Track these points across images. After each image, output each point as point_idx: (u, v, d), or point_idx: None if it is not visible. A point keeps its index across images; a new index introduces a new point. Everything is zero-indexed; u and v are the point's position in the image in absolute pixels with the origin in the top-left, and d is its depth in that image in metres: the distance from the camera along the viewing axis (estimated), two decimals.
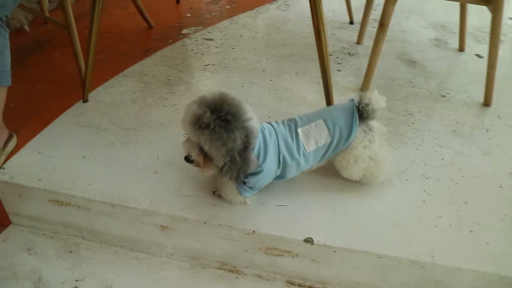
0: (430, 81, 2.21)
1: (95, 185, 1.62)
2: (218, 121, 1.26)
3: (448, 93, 2.11)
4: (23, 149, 1.78)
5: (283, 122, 1.52)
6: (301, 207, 1.53)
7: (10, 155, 1.75)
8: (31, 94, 2.14)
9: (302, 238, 1.43)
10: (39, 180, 1.64)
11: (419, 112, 1.97)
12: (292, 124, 1.51)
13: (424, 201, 1.55)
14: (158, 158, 1.72)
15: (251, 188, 1.48)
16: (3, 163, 1.71)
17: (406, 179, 1.63)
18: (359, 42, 2.53)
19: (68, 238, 1.74)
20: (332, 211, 1.51)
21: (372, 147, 1.50)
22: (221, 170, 1.35)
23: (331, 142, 1.48)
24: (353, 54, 2.41)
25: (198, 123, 1.26)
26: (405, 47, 2.50)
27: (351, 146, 1.49)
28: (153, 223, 1.57)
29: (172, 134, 1.82)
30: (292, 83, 2.18)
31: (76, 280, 1.60)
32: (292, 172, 1.50)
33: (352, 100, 1.54)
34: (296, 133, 1.47)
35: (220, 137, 1.26)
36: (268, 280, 1.58)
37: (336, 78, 2.20)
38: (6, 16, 1.62)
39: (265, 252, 1.51)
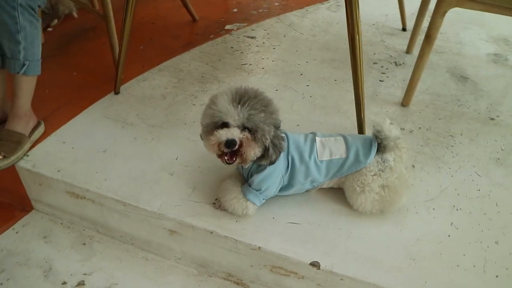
0: (480, 101, 2.02)
1: (110, 181, 1.60)
2: (257, 99, 1.25)
3: (498, 116, 1.93)
4: (49, 138, 1.80)
5: (301, 133, 1.46)
6: (314, 228, 1.44)
7: (36, 142, 1.77)
8: (66, 82, 2.16)
9: (309, 261, 1.35)
10: (58, 171, 1.65)
11: (461, 135, 1.81)
12: (310, 134, 1.46)
13: (449, 235, 1.42)
14: (176, 159, 1.69)
15: (256, 191, 1.41)
16: (28, 150, 1.73)
17: (434, 208, 1.50)
18: (408, 51, 2.37)
19: (84, 230, 1.74)
20: (346, 236, 1.41)
21: (384, 176, 1.40)
22: (265, 151, 1.29)
23: (346, 159, 1.39)
24: (400, 64, 2.26)
25: (245, 96, 1.23)
26: (458, 61, 2.32)
27: (360, 173, 1.40)
28: (162, 226, 1.54)
29: (195, 135, 1.77)
30: (329, 90, 2.07)
31: (84, 274, 1.60)
32: (299, 179, 1.42)
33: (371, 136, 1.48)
34: (312, 140, 1.42)
35: (268, 107, 1.25)
36: None
37: (377, 89, 2.07)
38: (39, 6, 1.63)
39: (271, 270, 1.44)
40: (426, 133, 1.81)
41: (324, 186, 1.49)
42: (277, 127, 1.32)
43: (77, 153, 1.73)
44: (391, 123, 1.41)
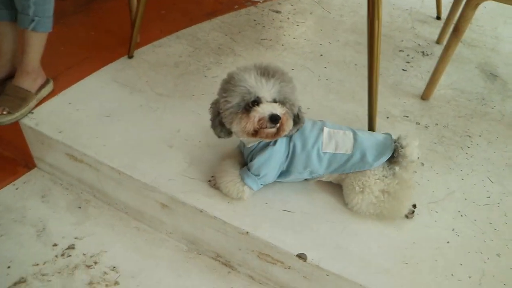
0: (507, 102, 1.90)
1: (109, 147, 1.58)
2: (280, 75, 1.23)
3: None
4: (56, 97, 1.78)
5: (310, 119, 1.39)
6: (307, 218, 1.38)
7: (43, 100, 1.76)
8: (83, 41, 2.13)
9: (296, 253, 1.30)
10: (60, 132, 1.63)
11: (480, 136, 1.70)
12: (319, 122, 1.38)
13: (448, 242, 1.34)
14: (178, 131, 1.64)
15: (255, 176, 1.35)
16: (34, 108, 1.72)
17: (437, 211, 1.42)
18: (439, 41, 2.23)
19: (81, 193, 1.73)
20: (339, 230, 1.35)
21: (386, 181, 1.33)
22: (296, 120, 1.29)
23: (351, 157, 1.31)
24: (427, 54, 2.14)
25: (269, 70, 1.21)
26: (491, 57, 2.17)
27: (362, 173, 1.32)
28: (154, 199, 1.51)
29: (201, 108, 1.72)
30: (347, 75, 1.98)
31: (76, 238, 1.60)
32: (298, 167, 1.36)
33: (390, 136, 1.39)
34: (320, 129, 1.35)
35: (292, 80, 1.27)
36: (260, 283, 1.47)
37: (398, 79, 1.96)
38: None
39: (258, 256, 1.40)
40: (442, 131, 1.71)
41: (323, 179, 1.43)
42: None
43: (81, 116, 1.70)
44: (417, 146, 1.34)
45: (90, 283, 1.48)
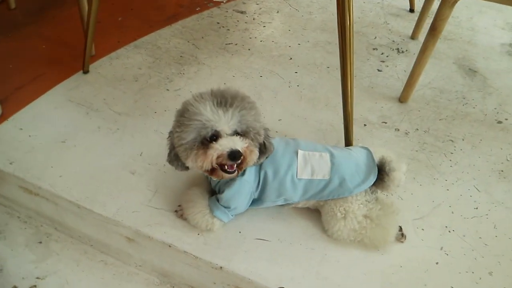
0: (488, 99, 1.81)
1: (65, 178, 1.44)
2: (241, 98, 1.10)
3: (506, 119, 1.72)
4: (5, 123, 1.63)
5: (281, 138, 1.27)
6: (284, 246, 1.28)
7: None
8: (34, 55, 1.97)
9: (275, 287, 1.19)
10: (11, 163, 1.49)
11: (463, 140, 1.61)
12: (292, 143, 1.26)
13: (437, 263, 1.25)
14: (141, 155, 1.52)
15: (225, 207, 1.24)
16: None
17: (423, 229, 1.33)
18: (414, 36, 2.13)
19: (41, 226, 1.59)
20: (320, 258, 1.25)
21: (369, 206, 1.24)
22: (262, 149, 1.15)
23: (328, 182, 1.21)
24: (403, 52, 2.04)
25: (227, 97, 1.06)
26: (468, 51, 2.08)
27: (344, 199, 1.21)
28: (118, 233, 1.38)
29: (164, 127, 1.58)
30: (319, 79, 1.86)
31: (37, 278, 1.46)
32: (271, 196, 1.25)
33: (368, 150, 1.29)
34: (294, 153, 1.22)
35: (252, 102, 1.11)
36: None
37: (373, 80, 1.86)
38: None
39: None
40: (423, 136, 1.61)
41: (299, 206, 1.32)
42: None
43: (34, 142, 1.56)
44: (405, 172, 1.25)
45: None
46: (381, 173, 1.23)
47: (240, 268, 1.23)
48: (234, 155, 1.05)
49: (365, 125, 1.65)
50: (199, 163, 1.08)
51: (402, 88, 1.73)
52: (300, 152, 1.21)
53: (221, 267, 1.23)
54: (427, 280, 1.21)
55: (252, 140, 1.09)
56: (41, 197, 1.47)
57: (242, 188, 1.19)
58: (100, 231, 1.43)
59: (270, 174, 1.19)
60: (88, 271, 1.48)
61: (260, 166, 1.20)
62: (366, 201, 1.23)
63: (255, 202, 1.27)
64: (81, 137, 1.58)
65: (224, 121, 1.04)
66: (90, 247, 1.53)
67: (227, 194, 1.19)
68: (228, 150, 1.05)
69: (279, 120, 1.65)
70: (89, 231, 1.48)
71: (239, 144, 1.06)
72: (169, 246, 1.28)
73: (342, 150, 1.28)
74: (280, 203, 1.28)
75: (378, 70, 1.91)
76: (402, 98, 1.73)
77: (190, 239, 1.29)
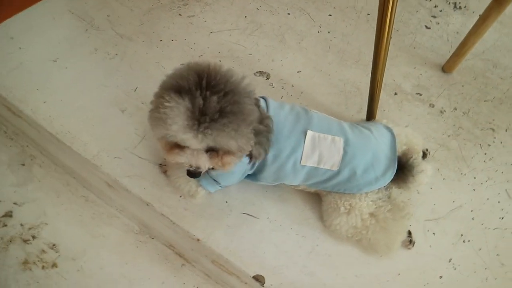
0: None
1: (49, 105, 1.30)
2: (227, 98, 0.82)
3: None
4: None
5: (292, 107, 1.07)
6: (272, 227, 1.13)
7: None
8: None
9: (253, 274, 1.07)
10: None
11: (506, 130, 1.37)
12: (304, 116, 1.05)
13: (441, 277, 1.09)
14: (135, 91, 1.35)
15: (215, 180, 1.08)
16: None
17: (434, 233, 1.16)
18: None
19: (27, 146, 1.48)
20: (309, 249, 1.11)
21: (379, 203, 1.06)
22: (251, 156, 0.94)
23: (336, 174, 1.02)
24: (460, 8, 1.71)
25: (206, 118, 0.80)
26: None
27: (351, 194, 1.03)
28: (98, 176, 1.25)
29: (167, 61, 1.40)
30: (355, 28, 1.59)
31: (14, 203, 1.38)
32: (267, 178, 1.08)
33: (391, 134, 1.08)
34: (302, 134, 1.02)
35: (241, 117, 0.83)
36: (217, 283, 1.26)
37: (418, 39, 1.58)
38: None
39: (212, 262, 1.17)
40: (461, 119, 1.38)
41: (299, 188, 1.15)
42: (252, 94, 0.90)
43: (23, 57, 1.40)
44: (431, 176, 1.05)
45: (25, 262, 1.29)
46: (403, 170, 1.04)
47: (219, 245, 1.10)
48: (193, 175, 0.90)
49: (396, 93, 1.42)
50: (162, 152, 0.91)
51: (449, 55, 1.46)
52: (309, 133, 1.01)
53: (198, 240, 1.11)
54: None
55: (233, 151, 0.88)
56: (23, 120, 1.34)
57: (236, 168, 1.02)
58: (82, 168, 1.31)
59: (270, 157, 1.01)
60: (68, 206, 1.38)
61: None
62: (378, 198, 1.06)
63: (250, 176, 1.10)
64: (74, 59, 1.41)
65: (194, 142, 0.83)
66: (73, 179, 1.42)
67: (217, 172, 1.03)
68: (187, 167, 0.89)
69: (298, 72, 1.43)
70: (71, 164, 1.36)
71: (203, 163, 0.87)
72: (147, 204, 1.15)
73: (361, 133, 1.07)
74: (277, 183, 1.11)
75: (426, 27, 1.62)
76: (447, 68, 1.47)
77: (170, 201, 1.15)
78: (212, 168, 0.91)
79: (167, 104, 0.80)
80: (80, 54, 1.42)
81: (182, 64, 0.87)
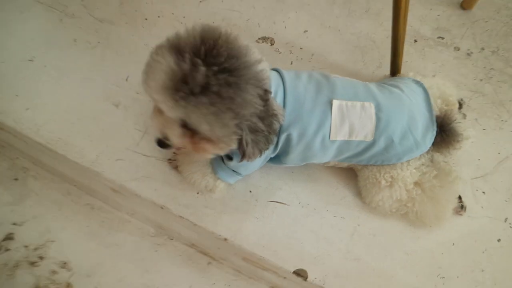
0: None
1: (33, 112, 1.15)
2: (221, 76, 0.68)
3: None
4: None
5: (310, 74, 0.92)
6: (306, 212, 1.01)
7: None
8: None
9: (293, 269, 0.95)
10: None
11: None
12: (326, 85, 0.91)
13: (499, 240, 0.98)
14: (127, 80, 1.20)
15: (234, 171, 0.95)
16: None
17: (484, 192, 1.04)
18: None
19: (17, 158, 1.34)
20: (351, 231, 0.99)
21: (423, 170, 0.93)
22: (242, 151, 0.79)
23: (371, 145, 0.89)
24: None
25: (185, 87, 0.68)
26: None
27: (392, 166, 0.90)
28: (102, 182, 1.12)
29: (158, 41, 1.23)
30: None
31: (14, 224, 1.26)
32: (294, 160, 0.95)
33: (424, 90, 0.96)
34: (327, 105, 0.88)
35: (228, 104, 0.69)
36: (249, 278, 1.15)
37: None
38: None
39: (244, 259, 1.06)
40: (491, 59, 1.24)
41: (329, 165, 1.01)
42: (263, 85, 0.75)
43: None
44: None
45: (36, 287, 1.17)
46: (444, 133, 0.91)
47: (250, 241, 0.98)
48: (161, 145, 0.81)
49: (415, 40, 1.27)
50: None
51: None
52: (335, 103, 0.88)
53: (225, 239, 0.99)
54: (485, 264, 0.95)
55: (209, 140, 0.75)
56: (6, 132, 1.19)
57: None
58: (81, 175, 1.18)
59: (295, 137, 0.87)
60: (72, 217, 1.27)
61: (280, 127, 0.87)
62: (421, 164, 0.93)
63: (273, 160, 0.97)
64: (52, 54, 1.24)
65: (165, 107, 0.71)
66: (73, 187, 1.30)
67: (235, 162, 0.89)
68: (155, 136, 0.80)
69: (304, 32, 1.28)
70: (69, 172, 1.23)
71: (173, 136, 0.77)
72: (161, 208, 1.02)
73: (391, 94, 0.93)
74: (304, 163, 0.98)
75: None
76: (465, 4, 1.31)
77: (186, 199, 1.03)
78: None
79: (154, 56, 0.70)
80: (58, 48, 1.25)
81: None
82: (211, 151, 0.78)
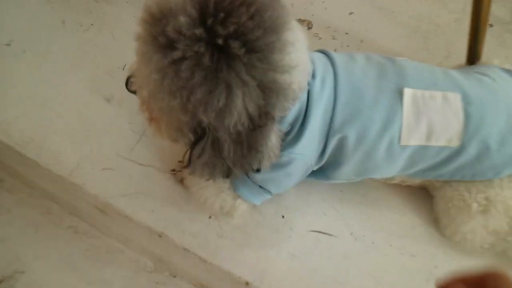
0: None
1: (5, 108, 0.91)
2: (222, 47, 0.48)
3: None
4: None
5: (368, 56, 0.67)
6: (362, 247, 0.73)
7: None
8: None
9: None
10: None
11: None
12: (391, 66, 0.65)
13: None
14: (123, 69, 0.94)
15: (261, 187, 0.67)
16: None
17: None
18: None
19: None
20: (427, 275, 0.70)
21: None
22: (188, 159, 0.57)
23: (459, 152, 0.60)
24: None
25: (166, 44, 0.49)
26: None
27: (486, 181, 0.63)
28: (83, 198, 0.85)
29: None
30: None
31: None
32: (347, 172, 0.68)
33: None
34: (396, 94, 0.62)
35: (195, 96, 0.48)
36: None
37: None
38: None
39: None
40: None
41: (394, 182, 0.73)
42: (276, 96, 0.51)
43: None
44: None
45: None
46: None
47: (281, 287, 0.69)
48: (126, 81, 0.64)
49: (491, 25, 1.01)
50: None
51: None
52: (407, 92, 0.61)
53: (247, 283, 0.70)
54: None
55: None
56: None
57: (292, 168, 0.62)
58: (61, 189, 0.91)
59: (352, 140, 0.60)
60: (50, 242, 1.02)
61: (329, 127, 0.60)
62: None
63: (316, 174, 0.69)
64: (34, 38, 1.01)
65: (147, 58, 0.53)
66: (55, 204, 1.04)
67: (265, 174, 0.61)
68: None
69: (350, 14, 1.03)
70: (47, 185, 0.97)
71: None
72: (159, 236, 0.75)
73: (480, 83, 0.66)
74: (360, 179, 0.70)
75: None
76: None
77: (195, 225, 0.75)
78: None
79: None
80: (42, 30, 1.02)
81: None
82: (163, 134, 0.58)
